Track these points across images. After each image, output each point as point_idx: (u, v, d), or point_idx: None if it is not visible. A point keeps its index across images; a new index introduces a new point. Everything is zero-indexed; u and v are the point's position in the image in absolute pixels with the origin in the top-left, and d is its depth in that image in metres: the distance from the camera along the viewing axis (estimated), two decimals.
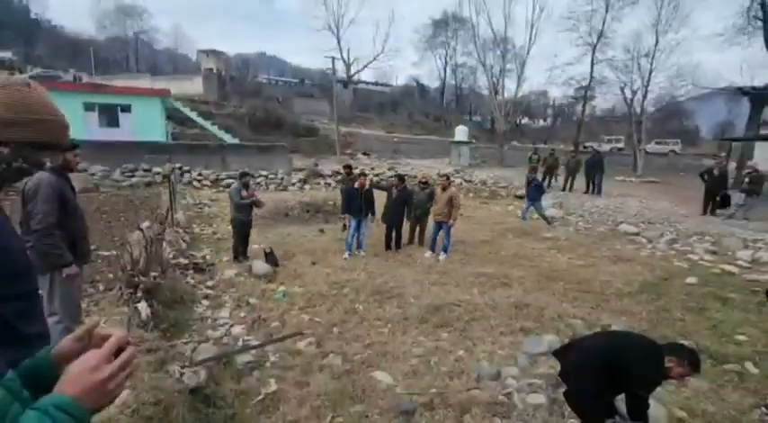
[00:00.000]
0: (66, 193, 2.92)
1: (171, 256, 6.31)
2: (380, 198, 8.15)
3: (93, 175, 13.39)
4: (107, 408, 0.74)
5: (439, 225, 7.75)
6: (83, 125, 17.36)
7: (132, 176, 14.11)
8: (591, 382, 2.53)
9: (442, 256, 7.62)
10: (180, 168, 14.98)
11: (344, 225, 8.86)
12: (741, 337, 4.78)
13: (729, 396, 3.72)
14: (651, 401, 3.38)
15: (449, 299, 5.68)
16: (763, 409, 3.51)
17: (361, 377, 3.84)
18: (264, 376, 3.80)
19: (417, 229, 8.62)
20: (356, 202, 7.55)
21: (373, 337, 4.62)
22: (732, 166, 18.13)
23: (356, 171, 9.82)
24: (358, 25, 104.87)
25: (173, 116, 23.42)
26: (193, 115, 22.91)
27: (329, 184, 15.91)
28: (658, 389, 3.76)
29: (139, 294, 4.28)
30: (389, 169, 18.35)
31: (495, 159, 26.43)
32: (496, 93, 28.19)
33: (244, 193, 6.98)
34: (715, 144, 37.05)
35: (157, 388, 2.83)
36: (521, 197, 14.94)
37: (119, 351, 0.76)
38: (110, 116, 18.49)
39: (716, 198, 12.05)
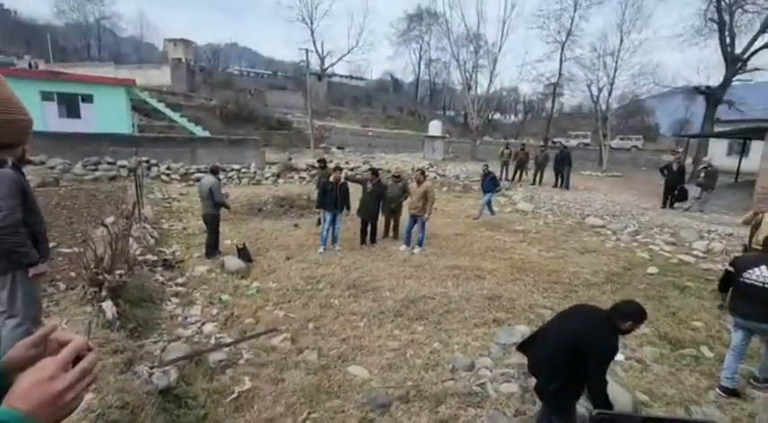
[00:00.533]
0: (27, 189, 2.76)
1: (138, 252, 6.08)
2: (356, 192, 8.13)
3: (52, 168, 12.69)
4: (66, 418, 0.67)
5: (414, 219, 7.81)
6: (40, 115, 16.37)
7: (95, 170, 13.46)
8: (561, 372, 2.62)
9: (416, 250, 7.68)
10: (147, 162, 14.41)
11: (319, 219, 8.78)
12: (697, 323, 5.07)
13: (687, 379, 3.94)
14: (616, 388, 3.54)
15: (424, 292, 5.74)
16: (717, 390, 3.74)
17: (336, 372, 3.84)
18: (238, 374, 3.74)
19: (392, 222, 8.66)
20: (331, 196, 7.49)
21: (349, 332, 4.62)
22: (689, 161, 19.10)
23: (331, 165, 9.72)
24: (332, 18, 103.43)
25: (139, 107, 22.45)
26: (161, 106, 21.99)
27: (303, 179, 15.70)
28: (622, 374, 3.96)
29: (104, 293, 4.11)
30: (364, 163, 18.28)
31: (468, 154, 26.78)
32: (469, 88, 28.50)
33: (224, 190, 6.93)
34: (674, 140, 38.93)
35: (124, 390, 2.74)
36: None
37: (78, 358, 0.68)
38: (70, 106, 17.52)
39: (674, 192, 12.67)
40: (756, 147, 16.45)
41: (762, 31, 19.05)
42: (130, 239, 5.80)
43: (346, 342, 4.41)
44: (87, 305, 4.00)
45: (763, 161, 11.64)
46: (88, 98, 17.67)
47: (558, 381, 2.62)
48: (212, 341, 4.34)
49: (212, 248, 6.91)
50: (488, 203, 11.13)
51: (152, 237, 7.54)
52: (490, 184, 11.07)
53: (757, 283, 3.48)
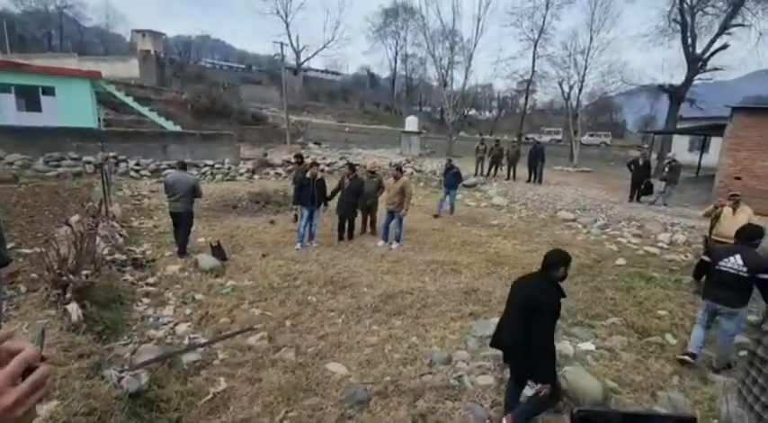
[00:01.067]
0: None
1: (106, 252, 5.84)
2: (332, 188, 8.07)
3: (10, 164, 12.02)
4: None
5: (391, 214, 7.82)
6: None
7: (58, 166, 12.83)
8: (522, 329, 2.91)
9: (394, 245, 7.70)
10: (115, 157, 13.84)
11: (296, 215, 8.68)
12: (662, 312, 5.30)
13: (653, 366, 4.12)
14: (587, 377, 3.67)
15: (401, 287, 5.77)
16: (684, 356, 4.05)
17: (314, 369, 3.81)
18: (213, 375, 3.66)
19: (368, 218, 8.65)
20: (308, 192, 7.41)
21: (327, 329, 4.60)
22: (654, 156, 19.86)
23: (308, 160, 9.60)
24: (308, 11, 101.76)
25: (105, 101, 21.49)
26: (129, 100, 21.13)
27: (279, 175, 15.46)
28: (593, 363, 4.09)
29: (69, 295, 3.93)
30: (341, 159, 18.16)
31: (444, 149, 26.99)
32: (445, 84, 28.69)
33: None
34: (640, 137, 40.43)
35: (91, 396, 2.63)
36: (469, 186, 15.45)
37: (30, 369, 0.62)
38: (30, 99, 16.59)
39: (641, 186, 13.17)
40: (716, 143, 17.31)
41: (720, 32, 19.99)
42: (97, 238, 5.56)
43: (324, 339, 4.38)
44: (51, 308, 3.82)
45: (722, 156, 12.24)
46: (49, 90, 16.80)
47: (521, 337, 2.90)
48: (186, 342, 4.23)
49: (184, 247, 6.73)
50: (451, 200, 10.66)
51: (121, 235, 7.27)
52: (452, 179, 10.50)
53: (731, 271, 3.79)
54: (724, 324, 3.96)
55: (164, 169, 14.14)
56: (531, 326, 2.85)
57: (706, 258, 4.16)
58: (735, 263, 3.80)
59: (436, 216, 10.42)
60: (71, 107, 16.70)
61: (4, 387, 0.59)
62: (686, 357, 4.05)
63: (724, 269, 3.85)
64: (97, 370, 3.04)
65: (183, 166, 6.95)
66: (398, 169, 8.02)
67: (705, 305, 4.08)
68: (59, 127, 14.72)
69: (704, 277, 4.21)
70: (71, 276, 4.03)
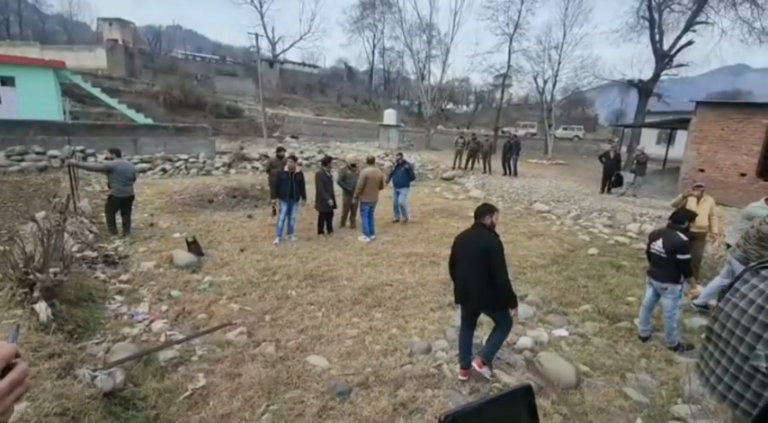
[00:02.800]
0: None
1: (75, 249, 5.65)
2: (310, 181, 8.01)
3: None
4: None
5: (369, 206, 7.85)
6: None
7: (21, 161, 12.23)
8: (484, 276, 3.45)
9: (369, 238, 7.75)
10: (82, 151, 13.31)
11: (274, 210, 8.57)
12: (631, 299, 5.53)
13: (622, 349, 4.31)
14: (560, 362, 3.81)
15: (381, 279, 5.81)
16: (639, 338, 4.45)
17: (295, 363, 3.81)
18: (191, 371, 3.61)
19: (349, 212, 8.63)
20: (287, 186, 7.33)
21: (307, 322, 4.60)
22: (624, 149, 20.55)
23: (286, 154, 9.48)
24: (283, 2, 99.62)
25: (71, 92, 20.56)
26: (96, 92, 20.26)
27: (256, 168, 15.20)
28: (566, 348, 4.24)
29: (36, 294, 3.79)
30: (319, 152, 18.00)
31: (422, 142, 27.15)
32: (423, 78, 28.77)
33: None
34: (611, 130, 41.66)
35: (63, 396, 2.56)
36: (447, 179, 15.61)
37: (7, 367, 0.61)
38: None
39: (611, 178, 13.61)
40: (681, 136, 18.02)
41: (686, 29, 20.77)
42: (65, 235, 5.36)
43: (305, 332, 4.38)
44: (17, 308, 3.67)
45: (686, 149, 12.77)
46: (9, 81, 15.95)
47: (484, 282, 3.46)
48: (162, 339, 4.15)
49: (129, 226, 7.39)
50: (400, 202, 9.04)
51: (91, 232, 7.02)
52: (404, 176, 8.92)
53: (655, 252, 4.30)
54: (663, 302, 4.36)
55: (135, 164, 13.67)
56: (491, 268, 3.41)
57: (647, 241, 4.66)
58: (657, 245, 4.27)
59: (395, 221, 9.15)
60: (34, 98, 15.91)
61: None
62: (640, 340, 4.48)
63: (653, 251, 4.35)
64: (69, 370, 2.95)
65: (119, 154, 7.52)
66: (369, 161, 8.08)
67: (647, 282, 4.57)
68: (21, 120, 14.03)
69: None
70: (38, 275, 3.88)
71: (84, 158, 13.14)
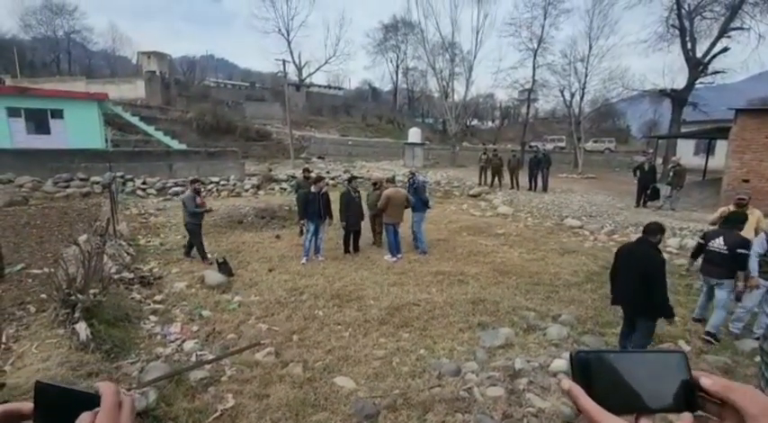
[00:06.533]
0: None
1: (113, 270, 5.90)
2: (335, 201, 8.11)
3: (20, 186, 12.23)
4: None
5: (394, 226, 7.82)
6: (7, 132, 15.86)
7: (67, 187, 13.03)
8: (641, 291, 3.84)
9: (396, 258, 7.71)
10: (122, 177, 14.05)
11: (301, 230, 8.70)
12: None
13: None
14: None
15: (408, 299, 5.74)
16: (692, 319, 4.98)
17: (322, 384, 3.78)
18: (221, 392, 3.64)
19: (375, 230, 8.64)
20: (314, 206, 7.44)
21: (334, 343, 4.57)
22: (659, 161, 19.79)
23: (312, 175, 9.68)
24: (309, 29, 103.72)
25: (112, 122, 21.93)
26: (135, 120, 21.54)
27: (284, 189, 15.57)
28: None
29: (77, 314, 3.96)
30: (345, 172, 18.28)
31: (447, 160, 27.09)
32: (447, 95, 28.94)
33: (198, 200, 7.23)
34: (644, 142, 40.26)
35: None
36: (474, 196, 15.43)
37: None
38: (39, 122, 16.99)
39: (647, 191, 13.08)
40: (721, 145, 17.19)
41: (720, 36, 20.06)
42: (105, 257, 5.62)
43: (332, 353, 4.35)
44: (60, 328, 3.85)
45: (728, 159, 12.15)
46: (58, 113, 17.19)
47: (638, 293, 3.80)
48: (193, 359, 4.22)
49: (203, 253, 7.42)
50: (415, 231, 8.09)
51: (128, 254, 7.33)
52: (414, 197, 7.90)
53: (713, 249, 4.74)
54: (717, 293, 4.79)
55: (170, 187, 14.31)
56: (650, 282, 3.70)
57: (701, 241, 5.10)
58: (718, 242, 4.71)
59: (416, 248, 8.21)
60: (79, 129, 17.05)
61: None
62: (708, 338, 4.65)
63: (712, 248, 4.77)
64: None
65: (190, 183, 7.72)
66: (389, 181, 8.13)
67: (702, 279, 5.12)
68: (68, 149, 15.02)
69: (700, 257, 5.09)
70: (79, 296, 4.06)
71: (124, 183, 13.85)
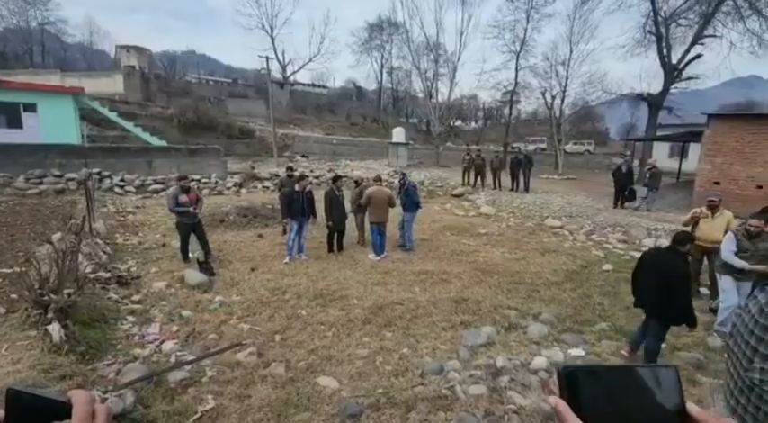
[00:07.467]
0: None
1: (89, 270, 5.73)
2: (320, 200, 8.06)
3: None
4: None
5: (378, 226, 7.82)
6: None
7: (40, 184, 12.59)
8: (661, 295, 3.96)
9: (379, 257, 7.71)
10: (98, 173, 13.64)
11: (284, 229, 8.62)
12: None
13: None
14: None
15: (392, 298, 5.76)
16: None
17: (305, 384, 3.76)
18: (201, 393, 3.58)
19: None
20: (298, 205, 7.39)
21: (317, 342, 4.55)
22: (636, 163, 20.33)
23: (296, 173, 9.58)
24: (293, 26, 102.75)
25: (89, 117, 21.26)
26: (113, 116, 20.92)
27: (267, 188, 15.39)
28: None
29: (50, 315, 3.83)
30: (329, 171, 18.19)
31: (431, 160, 27.25)
32: (431, 96, 29.11)
33: (182, 198, 6.79)
34: (622, 144, 41.33)
35: None
36: (457, 196, 15.57)
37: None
38: (10, 116, 16.31)
39: (624, 192, 13.43)
40: (694, 148, 17.76)
41: (693, 43, 20.74)
42: (80, 256, 5.45)
43: (315, 353, 4.33)
44: (31, 329, 3.72)
45: (700, 162, 12.58)
46: (31, 107, 16.56)
47: (658, 298, 3.93)
48: (172, 360, 4.14)
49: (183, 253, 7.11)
50: (406, 230, 8.18)
51: (105, 252, 7.13)
52: (407, 198, 8.06)
53: None
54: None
55: (149, 185, 13.98)
56: (674, 291, 3.82)
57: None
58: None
59: (400, 246, 8.33)
60: (53, 123, 16.46)
61: None
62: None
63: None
64: None
65: (177, 180, 7.22)
66: (375, 180, 8.15)
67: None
68: (41, 144, 14.48)
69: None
70: (52, 296, 3.94)
71: (101, 180, 13.46)
